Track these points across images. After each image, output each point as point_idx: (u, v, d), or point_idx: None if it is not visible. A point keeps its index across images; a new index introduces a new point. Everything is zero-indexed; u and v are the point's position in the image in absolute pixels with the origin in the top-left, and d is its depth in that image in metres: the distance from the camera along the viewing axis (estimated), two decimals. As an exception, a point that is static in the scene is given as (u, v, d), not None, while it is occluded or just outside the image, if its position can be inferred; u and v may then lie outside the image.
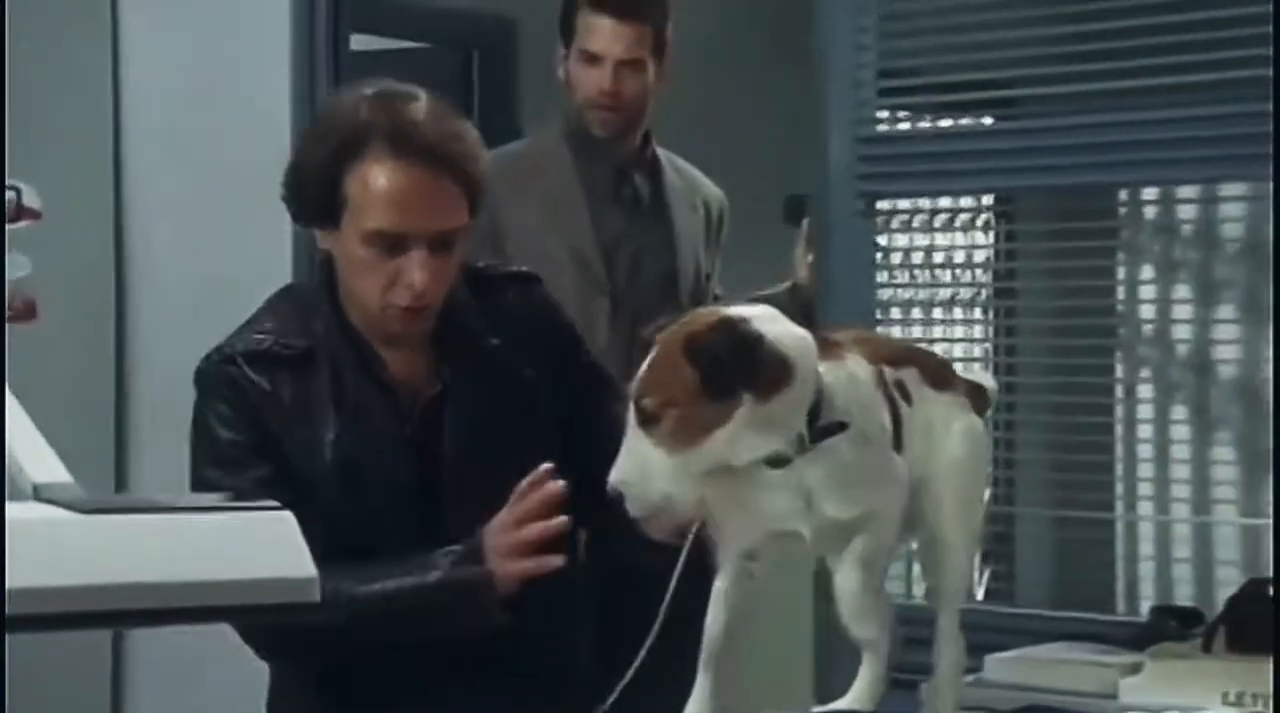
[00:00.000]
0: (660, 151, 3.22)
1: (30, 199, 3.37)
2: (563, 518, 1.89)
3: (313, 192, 1.92)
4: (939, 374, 1.92)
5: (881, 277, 3.71)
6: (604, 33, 3.00)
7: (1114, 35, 3.26)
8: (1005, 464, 3.63)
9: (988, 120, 3.80)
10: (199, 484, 1.97)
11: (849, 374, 1.78)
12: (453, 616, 1.92)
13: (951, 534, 1.86)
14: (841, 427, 1.73)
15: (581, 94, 3.02)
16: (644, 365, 1.71)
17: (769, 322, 1.71)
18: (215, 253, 3.53)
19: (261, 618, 1.60)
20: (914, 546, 1.92)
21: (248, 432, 1.95)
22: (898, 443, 1.82)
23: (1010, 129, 3.62)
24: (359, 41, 3.68)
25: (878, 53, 3.50)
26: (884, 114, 3.65)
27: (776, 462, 1.72)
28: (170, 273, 3.64)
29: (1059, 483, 3.69)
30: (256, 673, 2.12)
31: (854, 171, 3.50)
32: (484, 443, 1.98)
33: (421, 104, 1.92)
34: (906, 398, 1.84)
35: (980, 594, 3.71)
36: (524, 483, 1.90)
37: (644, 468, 1.69)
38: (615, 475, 1.70)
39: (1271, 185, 2.02)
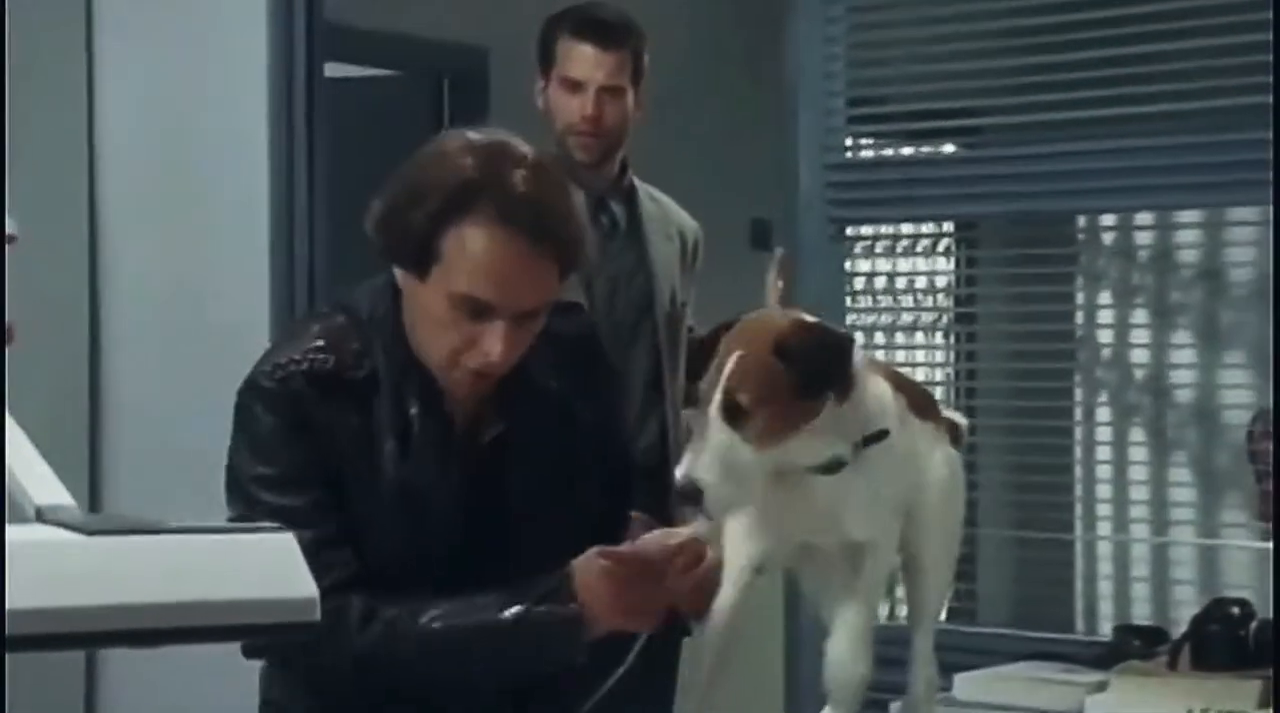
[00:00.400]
0: (636, 180, 3.26)
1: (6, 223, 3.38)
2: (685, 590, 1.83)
3: (405, 241, 1.85)
4: (924, 404, 1.96)
5: (848, 301, 3.76)
6: (586, 59, 3.05)
7: (1074, 67, 3.32)
8: (968, 486, 3.67)
9: (951, 148, 3.87)
10: (248, 503, 1.90)
11: (879, 389, 1.83)
12: (536, 654, 1.87)
13: (932, 560, 1.91)
14: (884, 434, 1.78)
15: (562, 121, 3.06)
16: (728, 363, 1.71)
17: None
18: (191, 278, 3.56)
19: (263, 637, 1.62)
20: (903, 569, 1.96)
21: (307, 453, 1.89)
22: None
23: (973, 157, 3.69)
24: (332, 69, 3.72)
25: (846, 81, 3.56)
26: (852, 142, 3.71)
27: (830, 468, 1.76)
28: (145, 297, 3.66)
29: (1019, 504, 3.75)
30: (232, 679, 2.12)
31: (823, 198, 3.55)
32: (546, 488, 1.94)
33: (532, 168, 1.84)
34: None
35: (943, 614, 3.76)
36: (665, 541, 1.84)
37: (729, 464, 1.68)
38: (695, 471, 1.70)
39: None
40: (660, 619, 1.85)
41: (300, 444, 1.89)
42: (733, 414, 1.71)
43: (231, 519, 1.91)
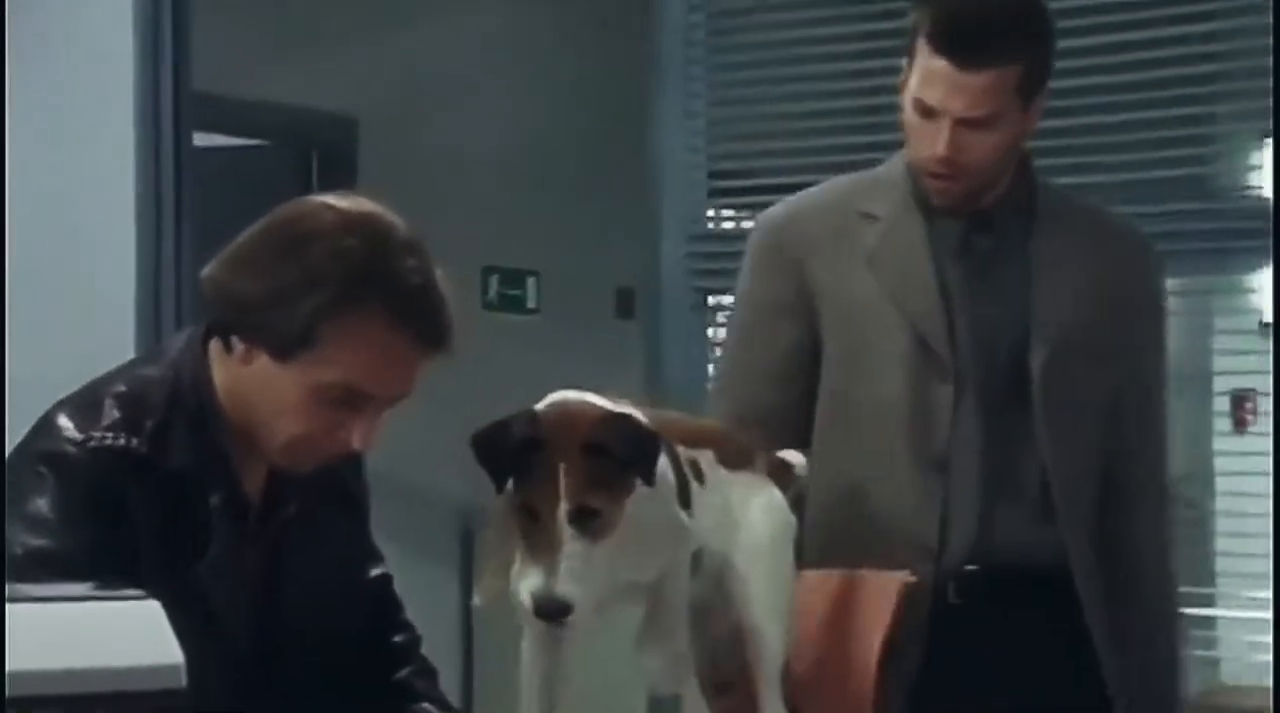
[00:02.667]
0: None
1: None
2: None
3: (284, 324, 1.72)
4: (736, 455, 2.00)
5: (712, 369, 3.84)
6: (941, 81, 2.13)
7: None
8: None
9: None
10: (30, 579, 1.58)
11: None
12: None
13: (762, 614, 1.93)
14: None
15: (913, 151, 2.21)
16: (560, 471, 1.70)
17: (606, 403, 1.81)
18: (55, 346, 3.52)
19: (129, 706, 1.60)
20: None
21: (104, 535, 1.72)
22: (686, 502, 1.89)
23: (831, 229, 3.79)
24: (200, 138, 3.74)
25: (708, 154, 3.65)
26: (714, 212, 3.81)
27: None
28: (10, 371, 3.63)
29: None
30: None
31: (687, 267, 3.63)
32: (325, 565, 1.87)
33: (418, 255, 1.75)
34: (700, 477, 1.93)
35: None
36: None
37: (587, 570, 1.68)
38: (559, 588, 1.67)
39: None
40: None
41: (98, 525, 1.72)
42: (583, 518, 1.72)
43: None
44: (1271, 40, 3.09)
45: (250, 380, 1.77)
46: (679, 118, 3.61)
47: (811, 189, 2.28)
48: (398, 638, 1.99)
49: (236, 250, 1.79)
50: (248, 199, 5.06)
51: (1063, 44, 2.78)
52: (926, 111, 2.11)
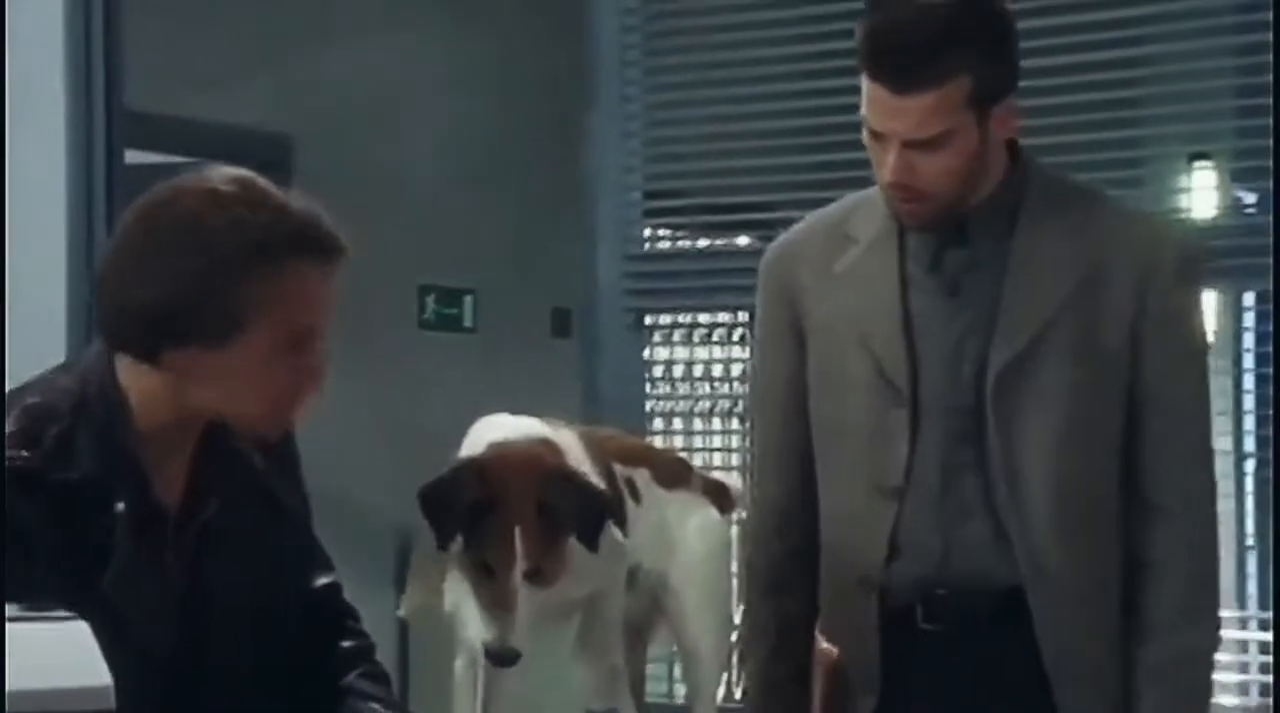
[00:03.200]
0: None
1: None
2: None
3: (213, 310, 1.73)
4: (672, 474, 2.02)
5: (647, 388, 3.85)
6: (879, 105, 2.03)
7: (863, 164, 3.46)
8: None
9: (746, 240, 4.00)
10: None
11: (562, 440, 1.88)
12: None
13: (698, 635, 1.95)
14: None
15: (876, 172, 2.10)
16: (516, 536, 1.77)
17: (554, 439, 1.82)
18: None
19: None
20: (675, 646, 2.01)
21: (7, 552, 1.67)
22: (621, 525, 1.91)
23: (767, 249, 3.81)
24: (133, 156, 3.71)
25: (643, 175, 3.66)
26: (650, 233, 3.82)
27: None
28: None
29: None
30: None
31: (622, 287, 3.64)
32: (250, 570, 1.85)
33: (284, 191, 1.79)
34: (635, 496, 1.94)
35: (739, 693, 3.83)
36: None
37: (538, 620, 1.78)
38: (515, 642, 1.74)
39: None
40: None
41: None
42: (537, 575, 1.78)
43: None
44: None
45: (192, 379, 1.76)
46: (614, 137, 3.62)
47: (817, 211, 2.23)
48: (346, 643, 1.97)
49: (122, 262, 1.77)
50: (181, 217, 4.93)
51: (1036, 63, 2.80)
52: (875, 134, 2.03)
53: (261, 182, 1.79)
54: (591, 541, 1.77)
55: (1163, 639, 2.01)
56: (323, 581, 1.98)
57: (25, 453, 1.73)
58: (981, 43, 1.99)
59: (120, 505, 1.75)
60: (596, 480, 1.78)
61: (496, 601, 1.77)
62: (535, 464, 1.78)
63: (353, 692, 1.93)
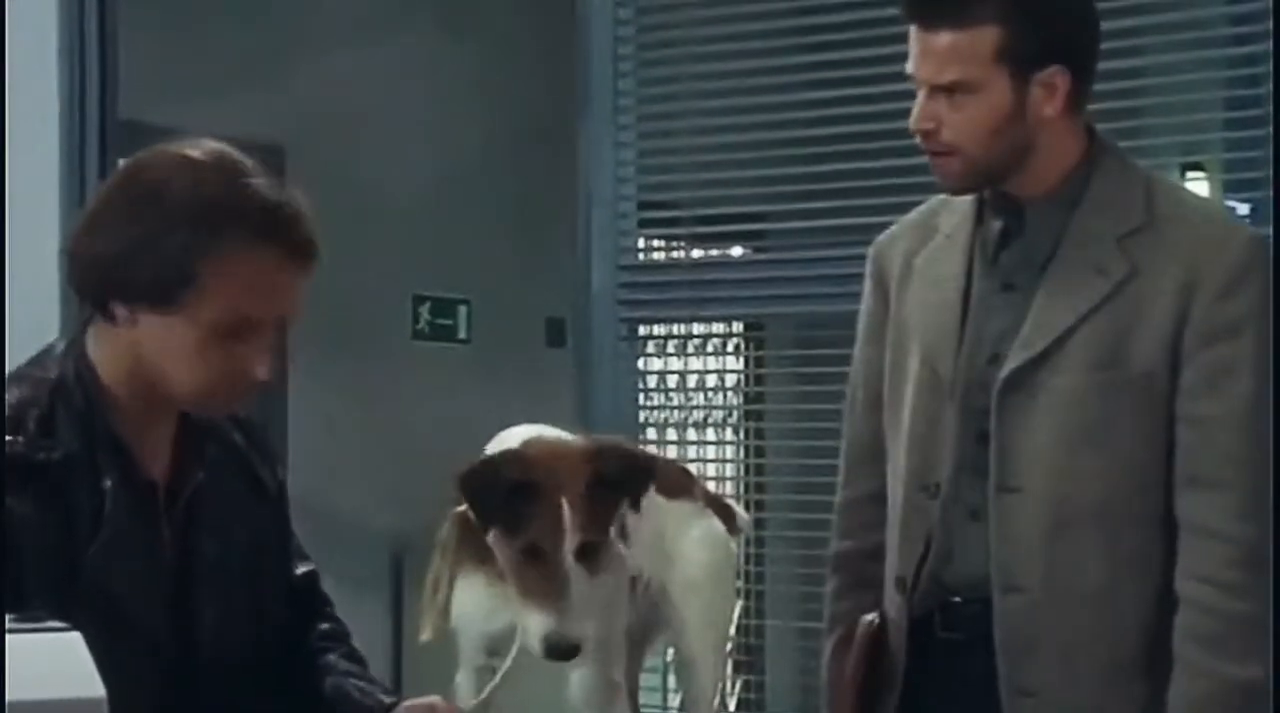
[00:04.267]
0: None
1: None
2: None
3: (159, 271, 1.75)
4: (673, 484, 2.02)
5: (640, 398, 3.85)
6: (912, 46, 2.01)
7: (856, 175, 3.48)
8: (755, 578, 3.77)
9: (739, 251, 4.00)
10: None
11: None
12: None
13: (696, 648, 1.94)
14: None
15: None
16: (564, 510, 1.73)
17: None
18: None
19: None
20: (669, 656, 2.00)
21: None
22: (623, 533, 1.91)
23: (760, 260, 3.82)
24: (128, 164, 3.71)
25: (637, 185, 3.66)
26: (644, 243, 3.82)
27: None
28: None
29: (807, 595, 3.85)
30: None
31: (616, 298, 3.64)
32: (237, 544, 1.88)
33: (265, 173, 1.80)
34: (636, 506, 1.94)
35: (732, 705, 3.83)
36: None
37: (589, 607, 1.72)
38: (571, 631, 1.69)
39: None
40: None
41: None
42: (588, 553, 1.73)
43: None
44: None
45: (143, 343, 1.80)
46: (608, 147, 3.62)
47: (929, 201, 2.18)
48: (325, 626, 1.99)
49: (92, 217, 1.82)
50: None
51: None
52: (919, 84, 2.00)
53: (244, 161, 1.80)
54: (638, 499, 1.77)
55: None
56: (303, 568, 2.00)
57: (9, 439, 1.74)
58: None
59: (108, 480, 1.77)
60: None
61: (546, 585, 1.72)
62: (576, 445, 1.79)
63: (335, 669, 1.95)
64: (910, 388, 2.02)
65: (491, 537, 1.77)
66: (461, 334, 4.96)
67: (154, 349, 1.80)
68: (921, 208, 2.18)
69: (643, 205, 3.68)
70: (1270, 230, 1.88)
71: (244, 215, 1.76)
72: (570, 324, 3.81)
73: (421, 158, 4.83)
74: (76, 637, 1.40)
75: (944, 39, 1.96)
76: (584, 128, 3.62)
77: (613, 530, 1.78)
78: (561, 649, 1.71)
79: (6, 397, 1.80)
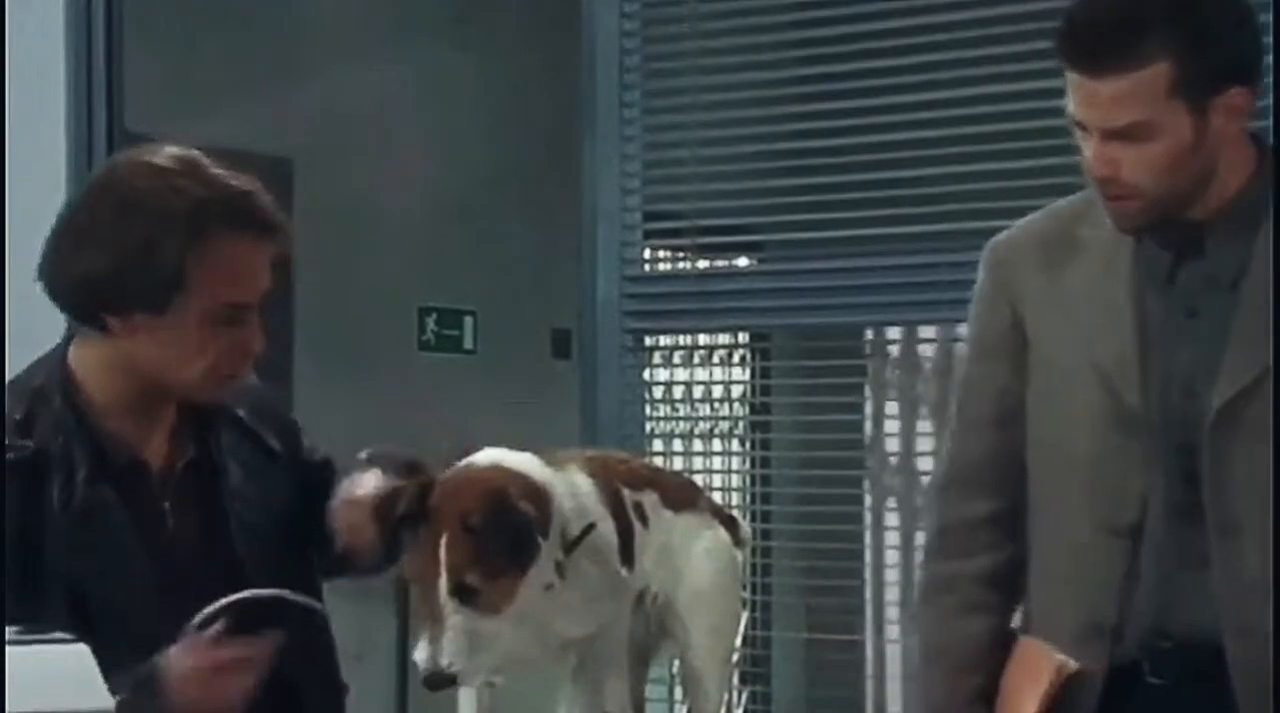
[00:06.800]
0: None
1: None
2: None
3: (150, 278, 1.85)
4: (680, 496, 2.01)
5: (646, 409, 3.85)
6: (1075, 93, 1.89)
7: (861, 187, 3.48)
8: (761, 589, 3.78)
9: (745, 262, 4.01)
10: None
11: (570, 483, 1.88)
12: None
13: (702, 660, 1.93)
14: (591, 527, 1.83)
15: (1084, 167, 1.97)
16: (441, 545, 1.73)
17: (515, 468, 1.82)
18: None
19: None
20: (675, 667, 2.00)
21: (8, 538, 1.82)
22: (628, 558, 1.90)
23: (766, 271, 3.83)
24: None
25: (642, 196, 3.67)
26: (649, 254, 3.82)
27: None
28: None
29: (811, 607, 3.85)
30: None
31: (621, 308, 3.64)
32: (249, 508, 1.98)
33: (225, 166, 1.92)
34: (644, 520, 1.93)
35: (738, 714, 3.84)
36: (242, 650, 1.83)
37: (474, 641, 1.72)
38: (441, 658, 1.71)
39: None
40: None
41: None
42: (464, 595, 1.74)
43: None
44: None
45: (137, 347, 1.90)
46: (613, 159, 3.63)
47: (1050, 207, 2.03)
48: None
49: (72, 237, 1.91)
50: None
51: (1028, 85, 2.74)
52: (1079, 126, 1.87)
53: (202, 159, 1.92)
54: (520, 564, 1.77)
55: None
56: (319, 456, 2.10)
57: None
58: (1184, 27, 1.81)
59: (81, 472, 1.87)
60: (529, 507, 1.78)
61: (427, 615, 1.75)
62: (479, 483, 1.79)
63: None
64: (1086, 423, 1.88)
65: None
66: (467, 345, 4.97)
67: (150, 352, 1.90)
68: (1047, 215, 2.02)
69: (648, 216, 3.68)
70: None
71: (219, 210, 1.86)
72: (576, 335, 3.81)
73: (428, 170, 4.84)
74: (85, 649, 1.41)
75: (1111, 86, 1.81)
76: (589, 139, 3.62)
77: (528, 575, 1.77)
78: (433, 680, 1.73)
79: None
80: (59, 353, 1.95)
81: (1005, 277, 2.00)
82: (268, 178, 4.94)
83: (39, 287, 3.48)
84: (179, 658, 1.81)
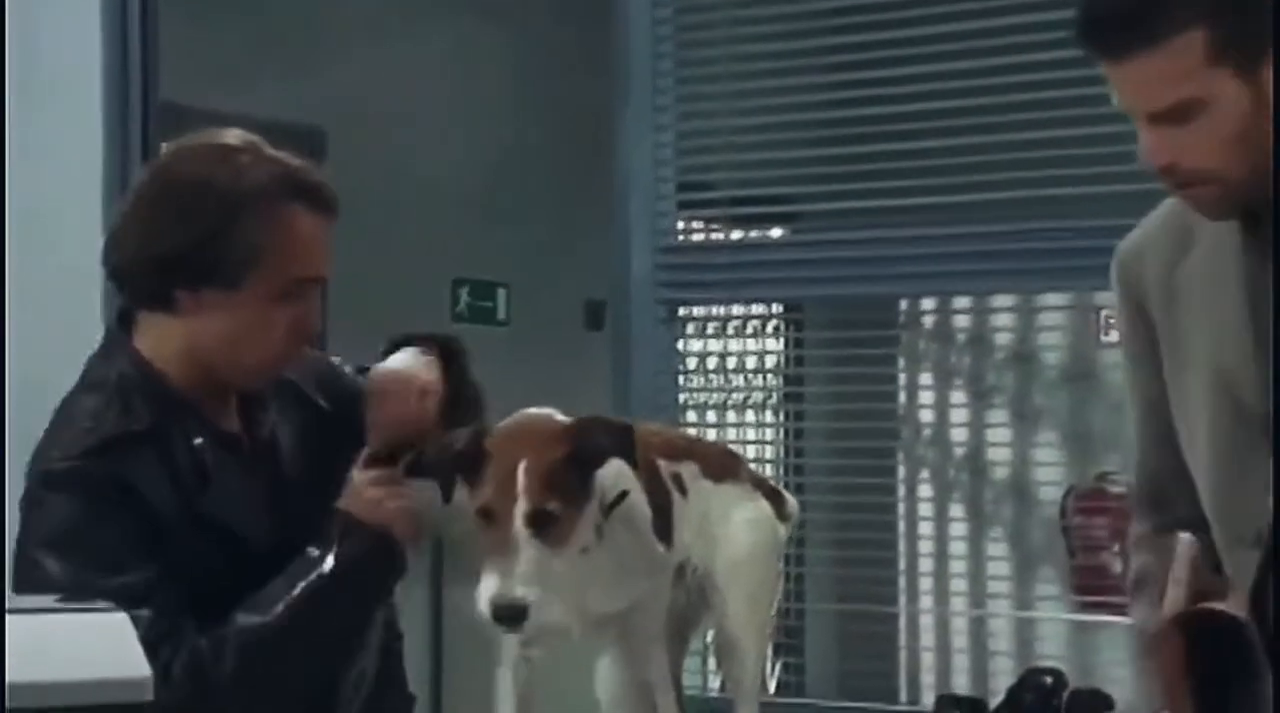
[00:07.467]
0: None
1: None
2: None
3: (225, 256, 1.89)
4: (720, 466, 2.00)
5: (679, 381, 3.85)
6: (1113, 81, 1.73)
7: (896, 157, 3.47)
8: (795, 561, 3.78)
9: (778, 233, 3.99)
10: (77, 589, 1.81)
11: None
12: (367, 587, 1.92)
13: (739, 630, 1.93)
14: (625, 494, 1.82)
15: None
16: (519, 473, 1.71)
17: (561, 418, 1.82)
18: (28, 369, 3.49)
19: None
20: (709, 638, 2.00)
21: (120, 526, 1.88)
22: (666, 532, 1.90)
23: (800, 241, 3.82)
24: (170, 148, 3.73)
25: (676, 167, 3.66)
26: (683, 225, 3.82)
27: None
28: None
29: (844, 578, 3.85)
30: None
31: (655, 280, 3.64)
32: (318, 471, 2.01)
33: (278, 149, 1.96)
34: (683, 490, 1.93)
35: (772, 687, 3.84)
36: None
37: (545, 577, 1.69)
38: (514, 591, 1.68)
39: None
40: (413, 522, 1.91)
41: (112, 520, 1.88)
42: (541, 522, 1.71)
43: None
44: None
45: (203, 327, 1.94)
46: (648, 129, 3.62)
47: (1171, 200, 1.83)
48: None
49: (141, 221, 1.93)
50: (216, 210, 4.87)
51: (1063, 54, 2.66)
52: (1133, 117, 1.70)
53: (261, 140, 1.96)
54: (631, 457, 1.77)
55: None
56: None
57: (89, 425, 1.90)
58: None
59: (197, 438, 1.93)
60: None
61: (497, 548, 1.71)
62: (549, 418, 1.80)
63: None
64: (1205, 423, 1.74)
65: (466, 507, 1.79)
66: (501, 317, 4.97)
67: (219, 329, 1.93)
68: (1166, 208, 1.85)
69: (682, 187, 3.68)
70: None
71: (289, 186, 1.90)
72: (609, 307, 3.81)
73: (461, 140, 4.84)
74: (122, 617, 1.41)
75: (1142, 66, 1.64)
76: (623, 110, 3.62)
77: (589, 508, 1.76)
78: (504, 612, 1.69)
79: (79, 410, 1.94)
80: (117, 345, 1.98)
81: (1130, 284, 1.84)
82: (301, 149, 4.96)
83: (74, 258, 3.51)
84: (350, 492, 1.90)
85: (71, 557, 1.86)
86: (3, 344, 3.27)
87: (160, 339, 1.96)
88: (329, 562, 1.89)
